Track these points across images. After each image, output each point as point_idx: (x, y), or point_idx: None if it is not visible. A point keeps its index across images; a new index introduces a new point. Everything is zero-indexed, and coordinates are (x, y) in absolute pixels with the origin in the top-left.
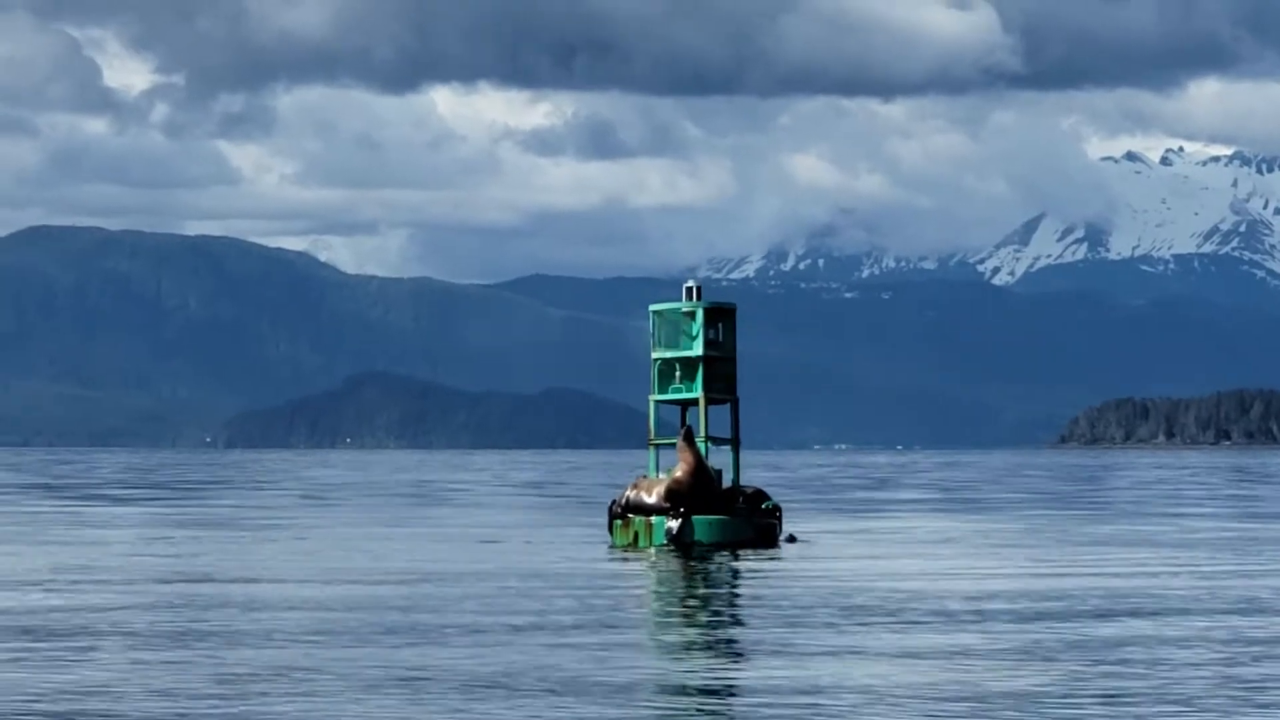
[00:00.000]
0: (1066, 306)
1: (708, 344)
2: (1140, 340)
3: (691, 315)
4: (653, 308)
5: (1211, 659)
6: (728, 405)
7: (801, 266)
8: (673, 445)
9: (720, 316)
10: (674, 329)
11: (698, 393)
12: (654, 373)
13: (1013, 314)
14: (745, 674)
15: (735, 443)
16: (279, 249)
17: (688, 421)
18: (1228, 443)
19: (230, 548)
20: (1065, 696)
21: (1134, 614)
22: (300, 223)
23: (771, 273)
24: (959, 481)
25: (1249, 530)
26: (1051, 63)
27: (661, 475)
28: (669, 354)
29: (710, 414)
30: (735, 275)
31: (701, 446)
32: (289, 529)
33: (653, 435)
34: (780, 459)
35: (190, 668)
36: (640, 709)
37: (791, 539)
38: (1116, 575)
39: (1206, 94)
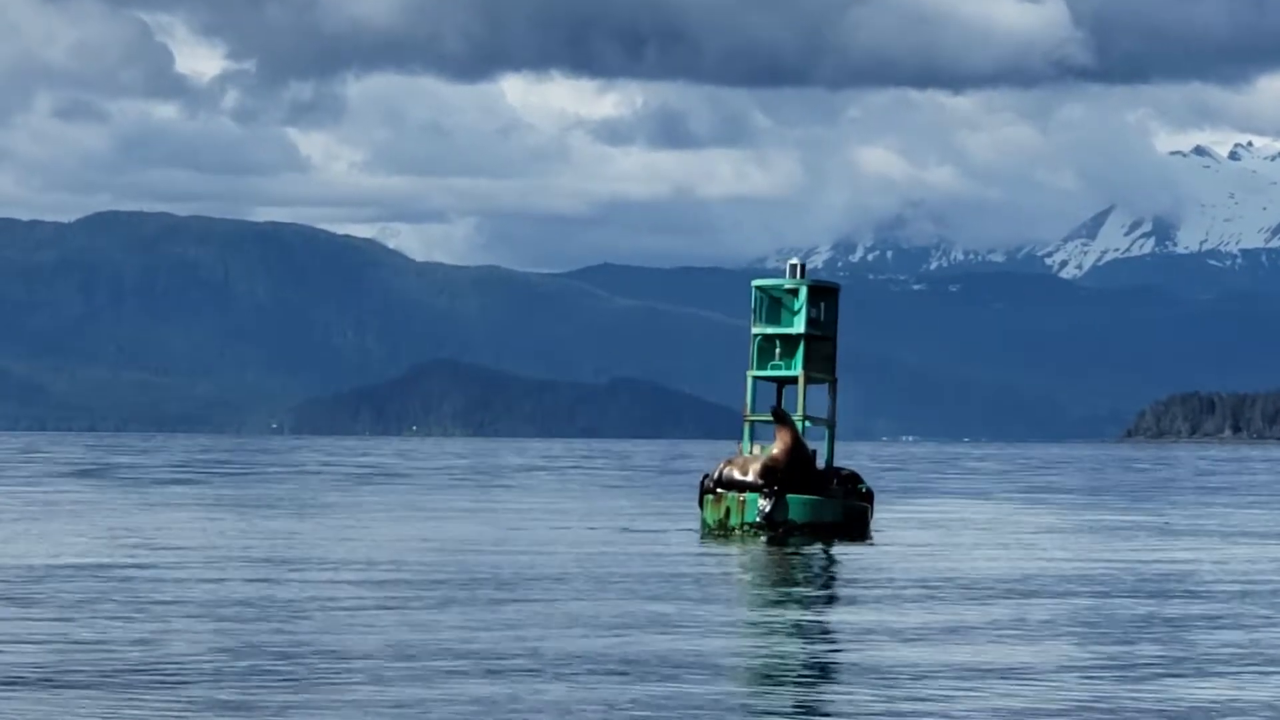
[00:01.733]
0: (1133, 300)
1: (810, 322)
2: (1207, 334)
3: (795, 292)
4: (755, 283)
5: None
6: (826, 386)
7: (870, 258)
8: (768, 422)
9: (824, 295)
10: (776, 305)
11: (797, 370)
12: (753, 348)
13: (1080, 307)
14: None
15: (832, 424)
16: (346, 236)
17: (783, 400)
18: None
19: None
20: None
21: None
22: (368, 210)
23: (840, 264)
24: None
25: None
26: (1121, 56)
27: (755, 452)
28: (770, 330)
29: (808, 393)
30: (795, 261)
31: (799, 426)
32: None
33: (749, 412)
34: (852, 448)
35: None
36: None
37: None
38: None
39: (1276, 89)
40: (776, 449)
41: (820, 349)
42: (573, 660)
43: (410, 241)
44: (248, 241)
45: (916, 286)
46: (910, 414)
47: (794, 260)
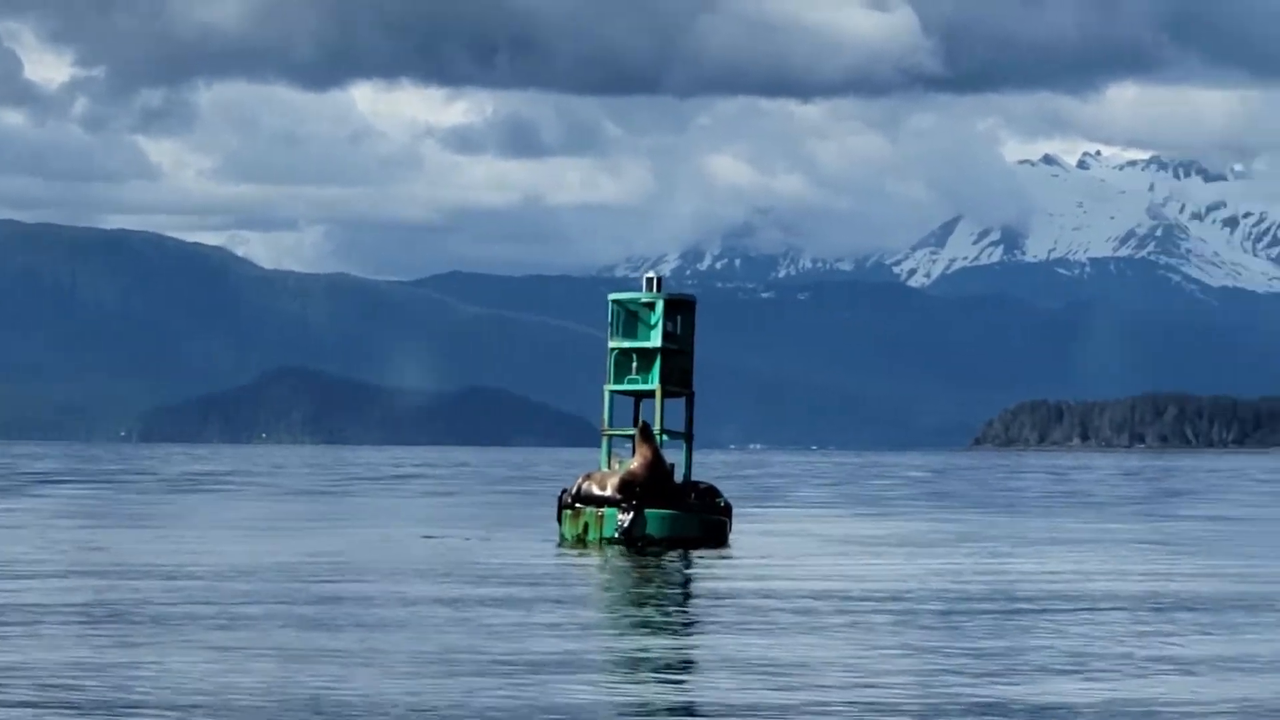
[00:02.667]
0: (982, 309)
1: (666, 336)
2: (1055, 343)
3: (651, 306)
4: (612, 297)
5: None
6: (683, 399)
7: (718, 266)
8: (626, 437)
9: (680, 309)
10: (633, 319)
11: (654, 384)
12: (610, 362)
13: (928, 316)
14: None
15: (689, 437)
16: (196, 243)
17: (642, 414)
18: (1142, 445)
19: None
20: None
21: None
22: (218, 218)
23: (688, 272)
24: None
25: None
26: (970, 65)
27: (615, 466)
28: (627, 344)
29: (665, 407)
30: (651, 274)
31: (658, 440)
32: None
33: (606, 426)
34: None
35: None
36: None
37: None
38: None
39: (1125, 98)
40: (635, 463)
41: (677, 362)
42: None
43: (259, 249)
44: (95, 249)
45: (765, 295)
46: (758, 422)
47: (650, 274)
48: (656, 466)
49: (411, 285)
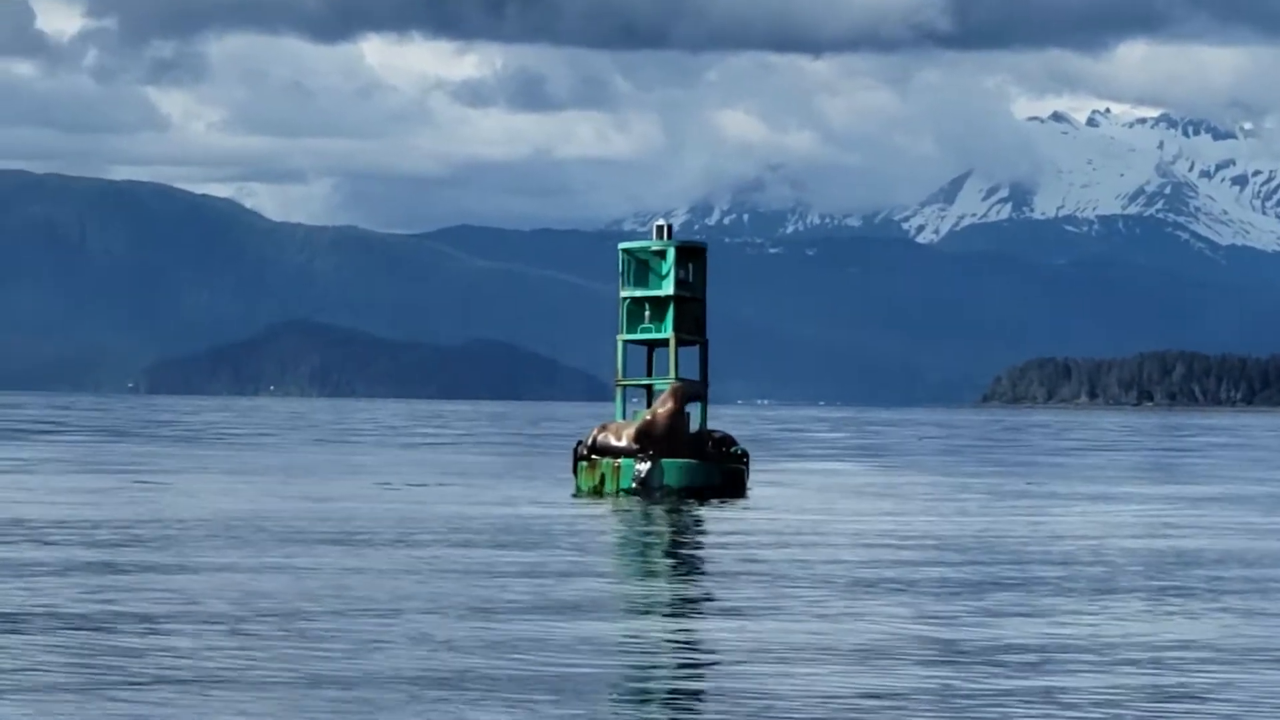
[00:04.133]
0: (990, 265)
1: (679, 283)
2: (1063, 301)
3: (662, 254)
4: (622, 246)
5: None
6: (697, 347)
7: (726, 221)
8: (640, 387)
9: (691, 256)
10: (644, 268)
11: (668, 333)
12: (622, 312)
13: (936, 272)
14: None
15: (704, 385)
16: (204, 195)
17: (654, 363)
18: (1150, 404)
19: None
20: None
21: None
22: (227, 170)
23: (696, 227)
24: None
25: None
26: (980, 22)
27: (629, 417)
28: (638, 293)
29: (679, 356)
30: (661, 222)
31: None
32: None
33: (620, 376)
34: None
35: None
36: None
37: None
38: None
39: (1134, 56)
40: (655, 411)
41: (690, 310)
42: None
43: (268, 201)
44: (105, 200)
45: (773, 250)
46: (765, 378)
47: (660, 221)
48: (676, 417)
49: (419, 238)
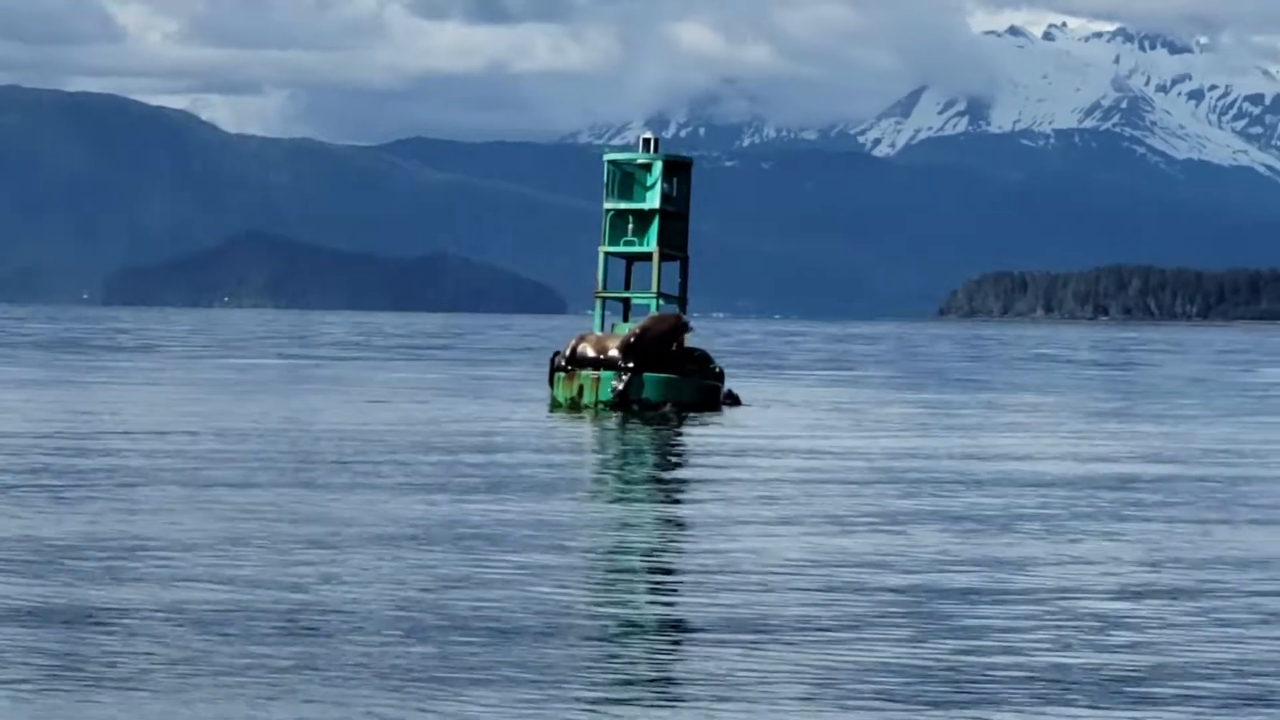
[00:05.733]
0: (946, 179)
1: (664, 197)
2: (1020, 215)
3: (648, 167)
4: (607, 157)
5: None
6: (678, 263)
7: (682, 135)
8: (619, 299)
9: (677, 170)
10: (629, 180)
11: (651, 246)
12: (605, 224)
13: (892, 186)
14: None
15: (683, 301)
16: (160, 107)
17: (634, 276)
18: (1105, 318)
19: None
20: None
21: None
22: (183, 81)
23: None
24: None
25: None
26: None
27: (605, 331)
28: (623, 205)
29: (660, 270)
30: (616, 142)
31: (652, 304)
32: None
33: (600, 287)
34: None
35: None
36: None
37: (731, 397)
38: None
39: None
40: (643, 324)
41: (674, 225)
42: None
43: (224, 113)
44: (59, 111)
45: (729, 163)
46: (722, 291)
47: (647, 134)
48: (672, 332)
49: (375, 150)
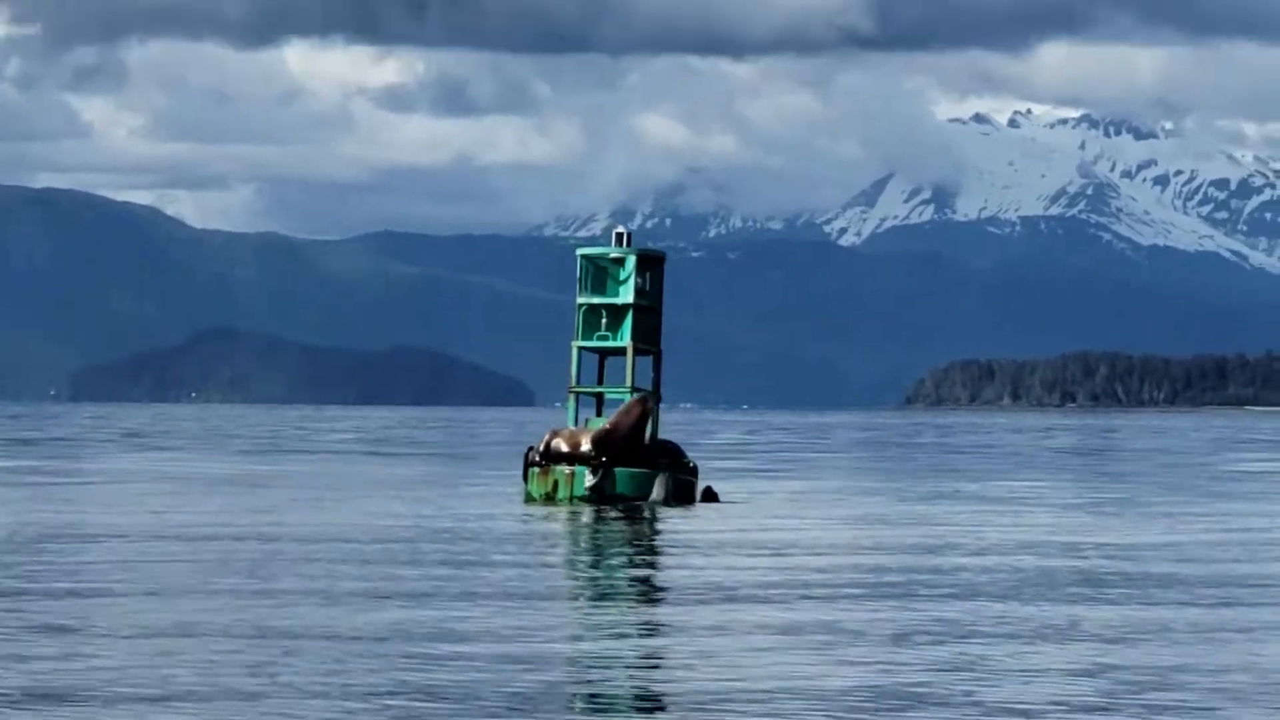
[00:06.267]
0: (912, 267)
1: (637, 292)
2: (986, 302)
3: (621, 261)
4: (580, 251)
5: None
6: (650, 357)
7: (649, 225)
8: (592, 395)
9: (650, 264)
10: (602, 274)
11: (625, 341)
12: (578, 318)
13: (859, 274)
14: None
15: (657, 396)
16: (126, 202)
17: (606, 372)
18: (1073, 405)
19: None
20: None
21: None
22: (148, 176)
23: (618, 231)
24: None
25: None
26: (902, 23)
27: (581, 425)
28: (596, 299)
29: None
30: (582, 233)
31: (626, 398)
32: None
33: (574, 383)
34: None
35: None
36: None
37: (709, 494)
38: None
39: (1056, 56)
40: (613, 420)
41: (647, 319)
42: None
43: (189, 208)
44: (27, 208)
45: (695, 254)
46: (689, 381)
47: (620, 228)
48: (638, 426)
49: (341, 244)
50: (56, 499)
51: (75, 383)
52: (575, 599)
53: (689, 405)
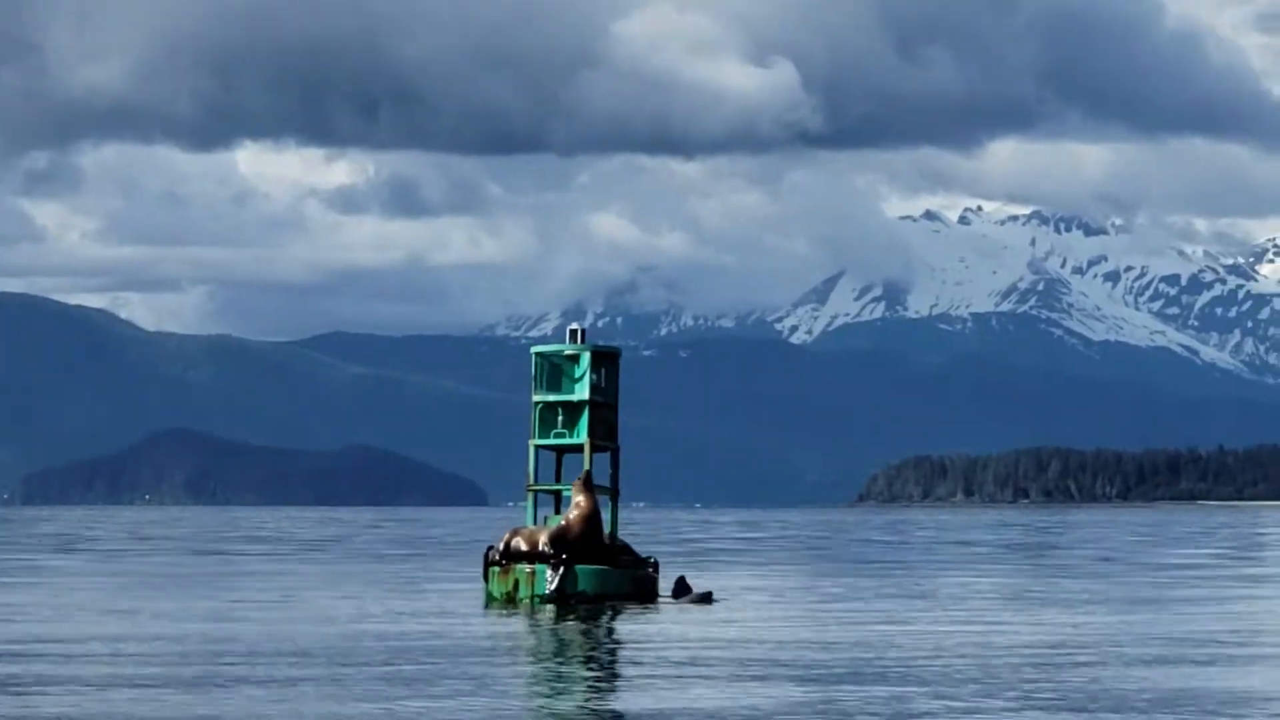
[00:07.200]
0: (864, 365)
1: (593, 388)
2: (938, 399)
3: (575, 359)
4: (535, 349)
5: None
6: (609, 454)
7: (600, 324)
8: (550, 493)
9: (605, 361)
10: (557, 372)
11: (582, 438)
12: (534, 416)
13: (810, 372)
14: None
15: (614, 492)
16: (78, 306)
17: (563, 470)
18: (1026, 500)
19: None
20: None
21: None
22: (101, 279)
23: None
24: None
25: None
26: (851, 121)
27: (538, 524)
28: (552, 397)
29: (592, 462)
30: (533, 333)
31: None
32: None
33: (532, 481)
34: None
35: None
36: None
37: (701, 596)
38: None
39: (1005, 153)
40: (571, 515)
41: (603, 416)
42: None
43: (142, 311)
44: None
45: (647, 353)
46: (641, 480)
47: (574, 325)
48: (592, 521)
49: (294, 345)
50: None
51: (29, 485)
52: None
53: (640, 504)
